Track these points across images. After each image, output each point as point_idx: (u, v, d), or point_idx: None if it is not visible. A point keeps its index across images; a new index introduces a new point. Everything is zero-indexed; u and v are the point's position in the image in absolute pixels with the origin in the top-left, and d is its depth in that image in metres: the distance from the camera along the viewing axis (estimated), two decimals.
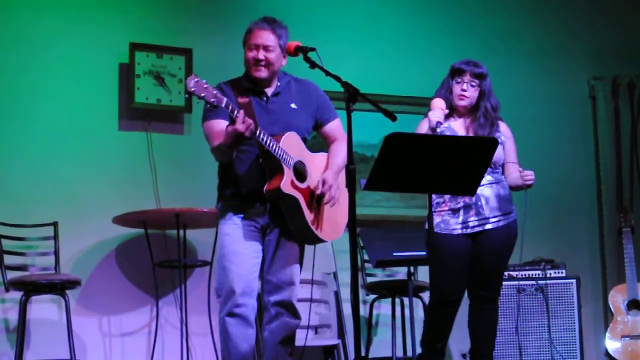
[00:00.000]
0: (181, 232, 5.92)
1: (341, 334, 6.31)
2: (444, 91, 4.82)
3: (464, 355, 6.31)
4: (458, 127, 4.82)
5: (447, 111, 4.68)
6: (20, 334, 5.64)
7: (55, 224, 5.99)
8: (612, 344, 6.27)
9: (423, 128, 4.76)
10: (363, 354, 5.95)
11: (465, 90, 4.76)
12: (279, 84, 4.31)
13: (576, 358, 6.15)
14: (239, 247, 4.18)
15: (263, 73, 4.23)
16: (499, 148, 4.74)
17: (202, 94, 3.88)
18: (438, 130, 4.50)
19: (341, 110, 3.96)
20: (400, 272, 6.52)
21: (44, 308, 5.97)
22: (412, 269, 5.85)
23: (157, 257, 6.11)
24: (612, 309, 6.37)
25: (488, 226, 4.74)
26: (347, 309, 6.30)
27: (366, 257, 6.24)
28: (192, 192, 6.25)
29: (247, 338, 4.18)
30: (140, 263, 6.17)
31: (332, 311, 6.30)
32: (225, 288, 4.16)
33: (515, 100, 7.06)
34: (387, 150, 3.78)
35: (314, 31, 6.34)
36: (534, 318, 6.17)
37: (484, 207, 4.73)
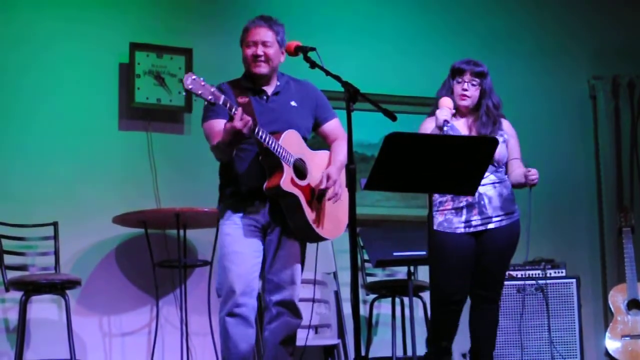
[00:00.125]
0: (181, 232, 5.92)
1: (341, 334, 6.31)
2: (445, 92, 4.82)
3: (464, 355, 6.30)
4: (461, 126, 4.82)
5: (454, 111, 4.69)
6: (20, 333, 5.64)
7: (55, 224, 5.99)
8: (612, 344, 6.27)
9: (426, 127, 4.77)
10: (363, 353, 5.96)
11: (466, 90, 4.76)
12: (278, 83, 4.32)
13: (576, 358, 6.16)
14: (239, 247, 4.18)
15: (263, 69, 4.23)
16: (502, 146, 4.75)
17: (200, 92, 3.88)
18: (445, 128, 4.51)
19: (341, 110, 3.95)
20: (401, 272, 6.52)
21: (44, 308, 5.97)
22: (412, 268, 5.85)
23: (157, 257, 6.11)
24: (612, 309, 6.37)
25: (491, 225, 4.74)
26: (347, 308, 6.30)
27: (366, 257, 6.23)
28: (192, 191, 6.25)
29: (247, 338, 4.18)
30: (141, 263, 6.17)
31: (332, 311, 6.30)
32: (225, 288, 4.16)
33: (515, 100, 7.04)
34: (387, 150, 3.78)
35: (314, 31, 6.34)
36: (534, 318, 6.17)
37: (486, 206, 4.73)
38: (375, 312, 6.52)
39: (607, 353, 6.29)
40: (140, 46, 6.37)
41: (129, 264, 6.25)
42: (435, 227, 4.67)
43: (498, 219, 4.75)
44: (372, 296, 6.39)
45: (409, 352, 6.20)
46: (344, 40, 6.81)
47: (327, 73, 3.91)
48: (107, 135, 6.32)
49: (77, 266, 6.12)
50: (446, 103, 4.64)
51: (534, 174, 4.73)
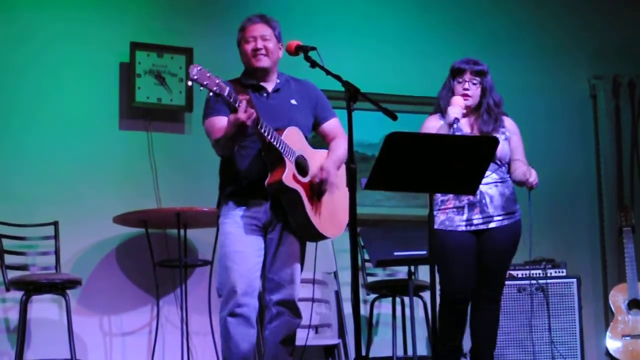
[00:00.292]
0: (182, 231, 5.92)
1: (342, 334, 6.31)
2: (446, 92, 4.83)
3: (464, 355, 6.31)
4: (463, 125, 4.82)
5: (465, 111, 4.70)
6: (20, 333, 5.64)
7: (55, 224, 5.99)
8: (612, 344, 6.27)
9: (429, 125, 4.79)
10: (364, 353, 5.96)
11: (467, 89, 4.77)
12: (278, 80, 4.32)
13: (577, 357, 6.15)
14: (240, 246, 4.17)
15: (264, 62, 4.24)
16: (504, 144, 4.76)
17: (205, 82, 3.88)
18: (454, 126, 4.55)
19: (342, 110, 3.95)
20: (401, 272, 6.52)
21: (44, 308, 5.97)
22: (412, 268, 5.85)
23: (157, 257, 6.11)
24: (613, 309, 6.37)
25: (492, 224, 4.74)
26: (347, 308, 6.30)
27: (367, 257, 6.24)
28: (192, 191, 6.25)
29: (248, 338, 4.17)
30: (141, 262, 6.17)
31: (333, 311, 6.30)
32: (226, 288, 4.16)
33: (515, 99, 7.03)
34: (387, 150, 3.78)
35: (315, 30, 6.34)
36: (534, 317, 6.17)
37: (488, 205, 4.73)
38: (375, 311, 6.52)
39: (607, 353, 6.29)
40: (140, 46, 6.37)
41: (129, 263, 6.25)
42: (436, 226, 4.67)
43: (499, 218, 4.75)
44: (373, 296, 6.39)
45: (410, 352, 6.20)
46: (344, 41, 6.81)
47: (328, 72, 3.91)
48: (108, 135, 6.32)
49: (78, 266, 6.12)
50: (459, 102, 4.67)
51: (533, 177, 4.72)
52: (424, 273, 6.36)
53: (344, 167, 4.38)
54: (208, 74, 3.89)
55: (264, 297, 4.28)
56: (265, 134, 4.04)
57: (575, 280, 6.27)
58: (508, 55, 7.30)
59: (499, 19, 7.41)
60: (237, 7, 6.54)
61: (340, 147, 4.35)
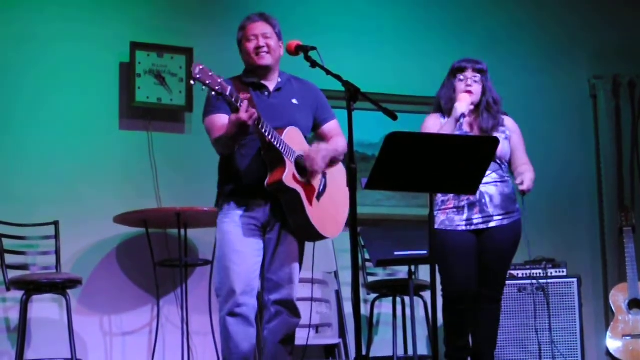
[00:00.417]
0: (182, 231, 5.92)
1: (342, 333, 6.31)
2: (446, 91, 4.84)
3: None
4: (464, 126, 4.83)
5: (472, 107, 4.72)
6: (21, 333, 5.64)
7: (56, 223, 5.99)
8: (613, 343, 6.27)
9: (429, 125, 4.80)
10: (364, 353, 5.96)
11: (470, 86, 4.78)
12: (279, 79, 4.32)
13: (577, 357, 6.15)
14: (240, 246, 4.17)
15: (267, 60, 4.24)
16: (505, 143, 4.77)
17: (208, 81, 3.87)
18: (461, 121, 4.63)
19: (342, 110, 3.95)
20: (401, 271, 6.52)
21: (44, 307, 5.97)
22: (413, 268, 5.85)
23: (158, 256, 6.11)
24: (613, 308, 6.37)
25: (492, 224, 4.74)
26: (348, 308, 6.30)
27: (367, 256, 6.24)
28: (193, 191, 6.25)
29: (248, 337, 4.17)
30: (141, 262, 6.17)
31: (333, 310, 6.30)
32: (225, 288, 4.16)
33: (515, 99, 7.03)
34: (387, 150, 3.78)
35: (315, 30, 6.34)
36: (535, 317, 6.17)
37: (488, 205, 4.74)
38: (376, 311, 6.52)
39: (608, 352, 6.29)
40: (140, 45, 6.37)
41: (129, 263, 6.25)
42: (436, 226, 4.68)
43: (499, 217, 4.75)
44: (373, 295, 6.39)
45: (410, 352, 6.19)
46: (344, 41, 6.81)
47: (328, 72, 3.91)
48: (108, 135, 6.32)
49: (78, 265, 6.12)
50: (465, 98, 4.71)
51: (526, 185, 4.72)
52: (424, 273, 6.36)
53: (343, 168, 4.38)
54: (210, 73, 3.89)
55: (262, 297, 4.28)
56: (266, 134, 4.03)
57: (575, 280, 6.27)
58: (508, 55, 7.30)
59: (499, 19, 7.41)
60: (237, 7, 6.53)
61: (338, 142, 4.34)
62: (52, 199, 6.07)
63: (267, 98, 4.26)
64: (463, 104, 4.69)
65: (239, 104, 3.94)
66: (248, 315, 4.16)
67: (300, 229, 4.23)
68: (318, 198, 4.24)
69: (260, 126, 4.01)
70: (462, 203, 4.75)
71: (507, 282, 6.13)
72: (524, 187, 4.72)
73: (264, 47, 4.23)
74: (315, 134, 4.44)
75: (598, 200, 7.47)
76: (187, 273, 6.13)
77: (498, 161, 4.76)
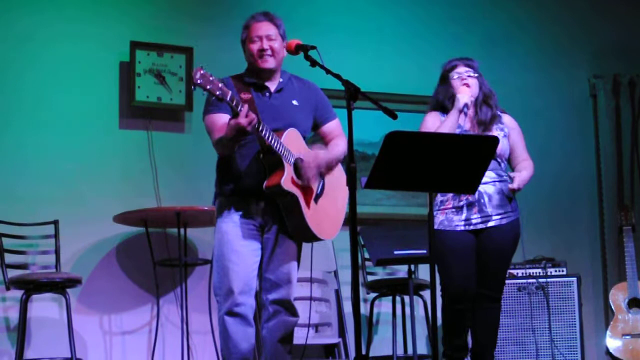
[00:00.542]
0: (182, 230, 5.92)
1: (342, 333, 6.31)
2: (442, 91, 4.85)
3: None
4: (463, 120, 4.83)
5: (473, 98, 4.73)
6: (20, 332, 5.64)
7: (56, 223, 5.99)
8: (613, 342, 6.27)
9: (428, 122, 4.80)
10: (364, 352, 5.95)
11: (466, 79, 4.79)
12: (281, 80, 4.31)
13: (577, 356, 6.15)
14: (238, 246, 4.17)
15: (270, 63, 4.23)
16: (504, 140, 4.78)
17: (208, 87, 3.87)
18: (465, 111, 4.68)
19: (342, 109, 3.95)
20: (401, 271, 6.52)
21: (44, 306, 5.97)
22: (412, 267, 5.85)
23: (157, 256, 6.11)
24: (613, 307, 6.37)
25: (491, 223, 4.75)
26: (347, 307, 6.30)
27: (367, 256, 6.24)
28: (192, 190, 6.25)
29: (247, 337, 4.17)
30: (141, 261, 6.17)
31: (333, 309, 6.30)
32: (224, 287, 4.15)
33: (515, 98, 7.05)
34: (387, 149, 3.78)
35: (315, 29, 6.35)
36: (534, 316, 6.17)
37: (486, 204, 4.74)
38: (375, 310, 6.52)
39: (607, 352, 6.29)
40: (140, 45, 6.37)
41: (129, 262, 6.25)
42: (435, 226, 4.68)
43: (498, 217, 4.75)
44: (373, 295, 6.39)
45: (410, 351, 6.20)
46: (343, 40, 6.82)
47: (328, 71, 3.91)
48: (108, 134, 6.32)
49: (78, 265, 6.12)
50: (466, 90, 4.74)
51: (515, 183, 4.74)
52: (424, 272, 6.36)
53: (342, 169, 4.39)
54: (211, 78, 3.88)
55: (260, 297, 4.28)
56: (266, 138, 4.03)
57: (575, 279, 6.27)
58: (507, 55, 7.31)
59: (498, 19, 7.41)
60: (238, 7, 6.54)
61: (337, 146, 4.34)
62: (52, 198, 6.07)
63: (267, 99, 4.26)
64: (465, 94, 4.72)
65: (239, 109, 3.94)
66: (247, 315, 4.16)
67: (297, 231, 4.23)
68: (316, 200, 4.24)
69: (259, 130, 4.01)
70: (461, 203, 4.75)
71: (507, 282, 6.12)
72: (513, 185, 4.73)
73: (267, 50, 4.21)
74: (316, 134, 4.44)
75: (598, 199, 7.47)
76: (187, 272, 6.13)
77: (498, 159, 4.76)
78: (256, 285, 4.24)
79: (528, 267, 6.34)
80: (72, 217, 6.06)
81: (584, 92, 7.60)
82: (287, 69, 4.39)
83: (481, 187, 4.66)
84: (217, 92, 3.88)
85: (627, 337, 6.26)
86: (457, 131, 4.75)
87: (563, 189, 7.37)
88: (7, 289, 5.71)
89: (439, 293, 4.68)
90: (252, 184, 4.15)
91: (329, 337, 6.22)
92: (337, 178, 4.34)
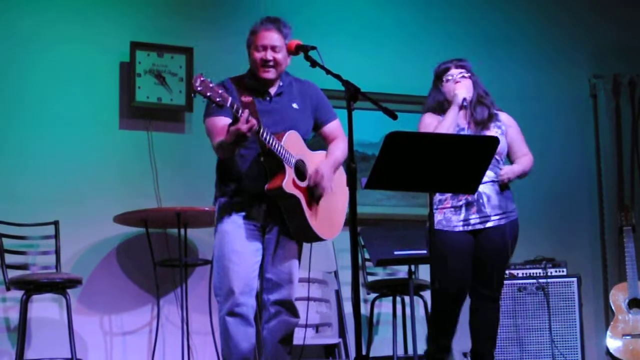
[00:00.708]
0: (182, 230, 5.92)
1: (342, 333, 6.31)
2: (435, 100, 4.85)
3: (465, 354, 6.31)
4: (460, 120, 4.83)
5: (470, 94, 4.73)
6: (21, 333, 5.64)
7: (56, 223, 5.99)
8: (613, 343, 6.27)
9: (426, 122, 4.80)
10: (364, 352, 5.94)
11: (459, 82, 4.79)
12: (281, 83, 4.31)
13: (577, 357, 6.16)
14: (239, 246, 4.17)
15: (271, 74, 4.23)
16: (502, 138, 4.77)
17: (208, 94, 3.87)
18: (464, 105, 4.69)
19: (342, 109, 3.95)
20: (401, 271, 6.52)
21: (45, 307, 5.97)
22: (413, 267, 5.85)
23: (158, 256, 6.11)
24: (613, 308, 6.37)
25: (489, 224, 4.74)
26: (348, 307, 6.30)
27: (367, 256, 6.23)
28: (193, 190, 6.25)
29: (247, 337, 4.18)
30: (141, 262, 6.17)
31: (333, 310, 6.30)
32: (224, 287, 4.16)
33: (515, 99, 7.04)
34: (387, 149, 3.78)
35: (315, 29, 6.34)
36: (535, 317, 6.18)
37: (485, 204, 4.74)
38: (376, 311, 6.52)
39: (608, 352, 6.29)
40: (141, 45, 6.37)
41: (129, 263, 6.25)
42: (429, 226, 4.69)
43: (496, 217, 4.75)
44: (373, 295, 6.39)
45: (410, 351, 6.19)
46: (344, 39, 6.82)
47: (328, 72, 3.91)
48: (108, 134, 6.32)
49: (78, 265, 6.12)
50: (462, 87, 4.75)
51: (503, 171, 4.74)
52: (424, 272, 6.36)
53: (342, 168, 4.39)
54: (211, 85, 3.88)
55: (261, 297, 4.28)
56: (266, 142, 4.04)
57: (575, 279, 6.28)
58: (507, 55, 7.31)
59: (498, 19, 7.41)
60: (238, 7, 6.55)
61: (338, 149, 4.34)
62: (52, 199, 6.07)
63: (268, 102, 4.26)
64: (462, 90, 4.73)
65: (239, 114, 3.94)
66: (247, 315, 4.16)
67: (299, 232, 4.23)
68: (318, 201, 4.25)
69: (260, 134, 4.01)
70: (460, 203, 4.75)
71: (507, 282, 6.15)
72: (501, 176, 4.71)
73: (270, 61, 4.21)
74: (316, 134, 4.44)
75: (598, 199, 7.47)
76: (187, 273, 6.13)
77: (497, 157, 4.76)
78: (257, 286, 4.25)
79: (528, 267, 6.35)
80: (72, 218, 6.06)
81: (584, 92, 7.60)
82: (288, 68, 4.39)
83: (480, 187, 4.65)
84: (217, 99, 3.88)
85: (628, 337, 6.26)
86: (456, 131, 4.75)
87: (563, 189, 7.37)
88: (8, 289, 5.71)
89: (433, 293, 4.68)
90: (253, 186, 4.16)
91: (330, 337, 6.22)
92: (338, 178, 4.35)
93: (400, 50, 7.08)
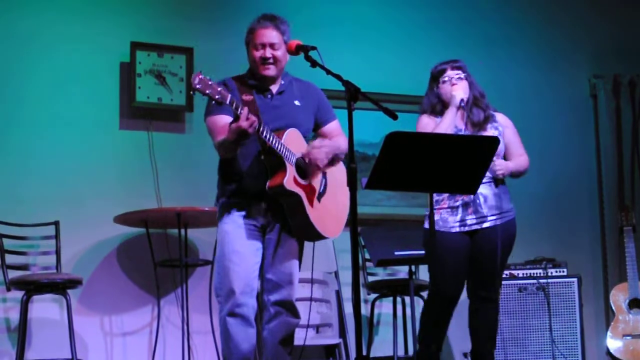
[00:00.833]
0: (182, 231, 5.92)
1: (342, 333, 6.31)
2: (431, 102, 4.85)
3: (465, 355, 6.31)
4: (457, 121, 4.83)
5: (466, 96, 4.73)
6: (21, 333, 5.64)
7: (56, 223, 5.99)
8: (613, 343, 6.27)
9: (423, 123, 4.80)
10: (364, 353, 5.95)
11: (455, 84, 4.79)
12: (282, 82, 4.32)
13: (577, 357, 6.16)
14: (239, 246, 4.17)
15: (272, 71, 4.23)
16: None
17: (207, 91, 3.87)
18: (462, 106, 4.68)
19: (342, 109, 3.95)
20: (402, 271, 6.52)
21: (45, 307, 5.97)
22: (413, 268, 5.85)
23: (158, 256, 6.11)
24: (614, 308, 6.37)
25: (486, 224, 4.74)
26: (348, 308, 6.30)
27: (367, 256, 6.23)
28: (193, 191, 6.25)
29: (248, 338, 4.18)
30: (142, 262, 6.17)
31: (334, 310, 6.30)
32: (225, 288, 4.16)
33: (515, 99, 7.07)
34: (388, 149, 3.78)
35: (315, 29, 6.34)
36: (535, 317, 6.18)
37: (482, 205, 4.73)
38: (376, 311, 6.52)
39: (608, 352, 6.29)
40: (141, 45, 6.37)
41: (130, 263, 6.25)
42: (430, 226, 4.68)
43: (493, 217, 4.75)
44: (374, 295, 6.39)
45: (410, 352, 6.19)
46: (344, 39, 6.82)
47: (328, 72, 3.91)
48: (108, 135, 6.32)
49: (79, 265, 6.12)
50: (459, 88, 4.73)
51: (497, 166, 4.72)
52: (424, 273, 6.35)
53: (343, 167, 4.39)
54: (210, 82, 3.88)
55: (261, 298, 4.28)
56: (267, 140, 4.04)
57: (576, 279, 6.28)
58: (507, 55, 7.32)
59: (498, 20, 7.40)
60: (238, 7, 6.55)
61: (340, 141, 4.34)
62: (53, 199, 6.07)
63: (269, 100, 4.26)
64: (460, 91, 4.73)
65: (239, 112, 3.94)
66: (248, 316, 4.16)
67: (301, 230, 4.23)
68: (319, 199, 4.25)
69: (260, 132, 4.01)
70: (457, 203, 4.75)
71: (508, 282, 6.16)
72: (494, 168, 4.68)
73: (270, 58, 4.22)
74: (316, 134, 4.44)
75: (598, 200, 7.46)
76: (188, 273, 6.13)
77: (494, 158, 4.75)
78: (257, 286, 4.25)
79: (529, 267, 6.35)
80: (72, 218, 6.06)
81: (584, 92, 7.60)
82: (288, 69, 4.39)
83: None
84: (216, 96, 3.88)
85: (628, 337, 6.26)
86: (454, 132, 4.74)
87: (563, 189, 7.37)
88: (8, 289, 5.71)
89: (427, 293, 4.68)
90: (254, 184, 4.16)
91: (330, 337, 6.22)
92: (339, 176, 4.35)
93: (400, 50, 7.08)
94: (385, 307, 6.64)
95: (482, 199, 4.73)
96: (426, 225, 4.79)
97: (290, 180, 4.10)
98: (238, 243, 4.17)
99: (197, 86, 3.85)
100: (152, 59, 6.39)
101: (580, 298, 6.24)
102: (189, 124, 6.51)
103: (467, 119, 4.83)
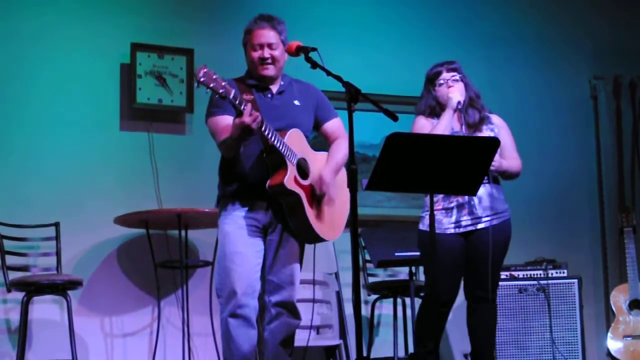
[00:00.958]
0: (183, 232, 5.92)
1: (343, 334, 6.31)
2: (429, 104, 4.85)
3: (465, 356, 6.31)
4: (454, 123, 4.83)
5: (462, 98, 4.73)
6: (21, 334, 5.64)
7: (56, 225, 5.99)
8: (614, 344, 6.27)
9: (419, 124, 4.80)
10: (365, 354, 5.95)
11: (451, 86, 4.78)
12: (282, 83, 4.32)
13: (578, 358, 6.15)
14: (241, 247, 4.17)
15: (271, 71, 4.24)
16: None
17: (212, 84, 3.87)
18: (459, 108, 4.66)
19: (342, 110, 3.95)
20: (402, 272, 6.52)
21: (45, 309, 5.97)
22: (413, 269, 5.85)
23: (158, 258, 6.11)
24: (614, 309, 6.37)
25: (480, 225, 4.73)
26: (348, 309, 6.30)
27: (368, 257, 6.23)
28: (193, 192, 6.25)
29: (249, 339, 4.18)
30: (142, 263, 6.17)
31: (334, 311, 6.30)
32: (226, 289, 4.16)
33: (515, 100, 7.07)
34: (388, 150, 3.79)
35: (315, 30, 6.35)
36: (535, 318, 6.17)
37: (476, 206, 4.73)
38: (376, 312, 6.52)
39: (608, 353, 6.29)
40: (141, 46, 6.37)
41: (130, 264, 6.25)
42: (425, 228, 4.70)
43: (488, 218, 4.74)
44: (374, 296, 6.39)
45: (411, 353, 6.19)
46: (344, 40, 6.82)
47: (328, 73, 3.91)
48: (109, 136, 6.32)
49: (79, 267, 6.12)
50: (455, 90, 4.73)
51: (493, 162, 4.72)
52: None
53: (343, 169, 4.39)
54: (214, 76, 3.88)
55: (263, 299, 4.28)
56: (269, 137, 4.04)
57: (576, 280, 6.28)
58: (507, 56, 7.32)
59: (498, 21, 7.40)
60: (238, 8, 6.54)
61: (340, 151, 4.34)
62: (53, 200, 6.07)
63: (270, 100, 4.27)
64: (456, 93, 4.71)
65: (242, 107, 3.94)
66: (249, 317, 4.16)
67: (300, 231, 4.23)
68: (319, 200, 4.25)
69: (263, 129, 4.01)
70: (451, 204, 4.74)
71: (508, 283, 6.15)
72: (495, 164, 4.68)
73: (268, 58, 4.23)
74: (318, 133, 4.44)
75: (599, 201, 7.47)
76: (188, 274, 6.13)
77: None
78: (259, 287, 4.24)
79: (529, 268, 6.35)
80: (73, 219, 6.06)
81: (584, 93, 7.60)
82: (288, 70, 4.40)
83: None
84: (220, 90, 3.88)
85: (628, 338, 6.26)
86: (451, 134, 4.74)
87: (564, 190, 7.36)
88: (8, 291, 5.71)
89: (422, 294, 4.68)
90: (255, 184, 4.16)
91: (330, 339, 6.21)
92: (340, 179, 4.35)
93: (400, 51, 7.07)
94: (385, 308, 6.64)
95: (476, 200, 4.73)
96: (421, 227, 4.80)
97: (290, 179, 4.10)
98: (239, 244, 4.17)
99: (202, 79, 3.85)
100: (153, 60, 6.39)
101: (581, 299, 6.24)
102: (189, 125, 6.51)
103: (464, 120, 4.83)
